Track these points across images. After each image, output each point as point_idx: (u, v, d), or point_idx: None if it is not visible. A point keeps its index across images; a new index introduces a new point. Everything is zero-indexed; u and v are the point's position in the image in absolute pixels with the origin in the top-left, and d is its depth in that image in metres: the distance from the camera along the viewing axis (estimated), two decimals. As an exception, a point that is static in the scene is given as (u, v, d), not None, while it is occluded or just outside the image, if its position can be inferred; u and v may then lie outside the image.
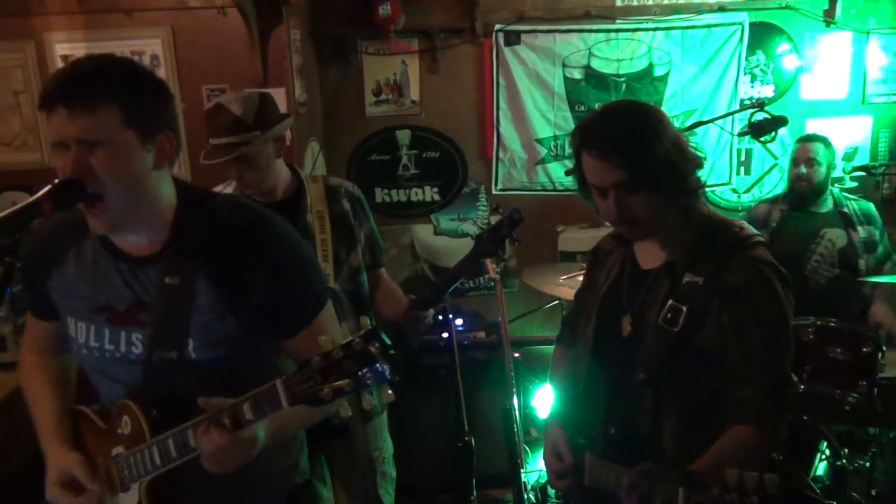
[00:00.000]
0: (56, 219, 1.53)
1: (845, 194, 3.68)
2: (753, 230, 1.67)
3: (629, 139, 1.54)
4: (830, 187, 3.61)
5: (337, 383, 1.16)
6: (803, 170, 3.54)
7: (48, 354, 1.71)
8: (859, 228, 3.54)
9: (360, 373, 1.15)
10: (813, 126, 4.22)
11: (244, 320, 1.46)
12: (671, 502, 1.33)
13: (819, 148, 3.55)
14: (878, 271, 3.52)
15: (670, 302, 1.60)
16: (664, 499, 1.36)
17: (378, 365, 1.16)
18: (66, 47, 3.55)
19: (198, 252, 1.45)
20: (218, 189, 2.44)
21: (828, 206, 3.59)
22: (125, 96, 1.33)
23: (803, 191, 3.56)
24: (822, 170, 3.54)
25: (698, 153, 1.63)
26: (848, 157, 4.32)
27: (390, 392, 1.29)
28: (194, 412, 1.34)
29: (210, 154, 2.26)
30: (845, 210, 3.58)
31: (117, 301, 1.48)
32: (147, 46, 3.50)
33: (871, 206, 3.62)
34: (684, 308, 1.57)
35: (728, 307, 1.56)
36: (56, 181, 1.34)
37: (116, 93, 1.32)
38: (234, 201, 1.64)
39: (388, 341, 1.17)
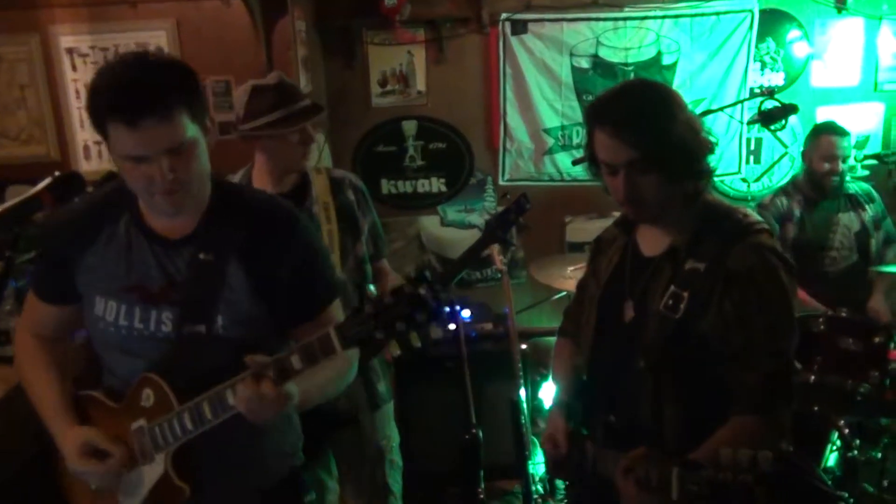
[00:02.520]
0: (87, 201, 1.59)
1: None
2: (758, 217, 1.65)
3: (644, 118, 1.53)
4: None
5: (389, 325, 1.22)
6: (838, 165, 3.46)
7: (48, 340, 1.71)
8: (867, 207, 3.58)
9: (411, 314, 1.22)
10: (824, 114, 4.17)
11: (270, 301, 1.54)
12: (666, 482, 1.32)
13: (848, 141, 3.49)
14: (883, 252, 3.57)
15: (672, 288, 1.58)
16: (659, 479, 1.35)
17: (429, 305, 1.21)
18: (70, 40, 3.55)
19: (230, 234, 1.54)
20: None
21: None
22: (187, 94, 1.40)
23: (834, 185, 3.51)
24: (848, 163, 3.52)
25: (710, 137, 1.61)
26: (860, 145, 4.26)
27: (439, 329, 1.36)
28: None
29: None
30: (850, 192, 3.61)
31: (150, 281, 1.53)
32: (152, 38, 3.49)
33: (869, 186, 3.67)
34: (686, 294, 1.56)
35: (730, 293, 1.54)
36: (56, 174, 1.34)
37: (182, 93, 1.39)
38: (265, 194, 1.77)
39: (433, 280, 1.23)
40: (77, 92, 3.60)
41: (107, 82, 1.37)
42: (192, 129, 1.41)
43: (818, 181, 3.52)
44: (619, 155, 1.55)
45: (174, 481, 1.50)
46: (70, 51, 3.56)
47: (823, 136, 3.51)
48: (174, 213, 1.49)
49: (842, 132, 3.50)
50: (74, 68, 3.58)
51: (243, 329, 1.53)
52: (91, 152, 3.66)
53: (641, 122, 1.53)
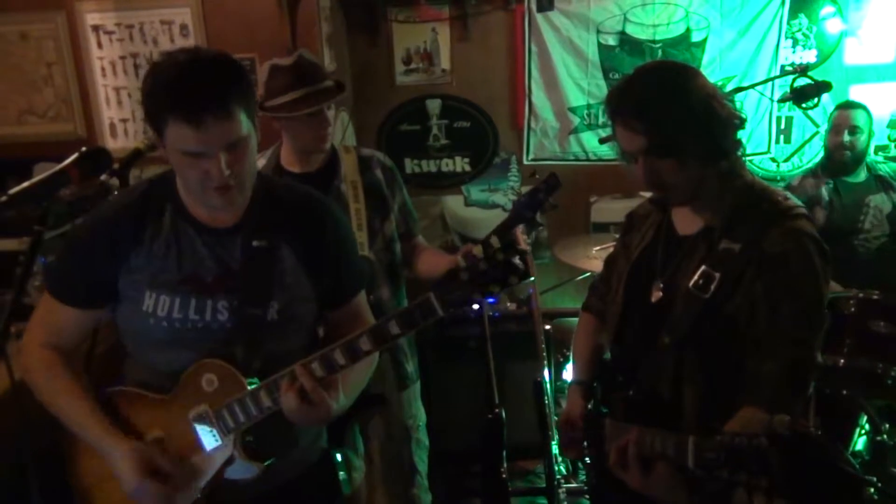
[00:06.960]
0: (124, 200, 1.57)
1: (874, 158, 3.69)
2: (797, 201, 1.62)
3: (649, 105, 1.52)
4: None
5: (485, 287, 1.37)
6: (846, 138, 3.52)
7: (62, 351, 1.62)
8: None
9: (505, 278, 1.36)
10: (857, 92, 4.07)
11: (318, 285, 1.62)
12: (682, 450, 1.31)
13: (861, 115, 3.54)
14: None
15: (703, 268, 1.56)
16: (675, 448, 1.34)
17: (520, 270, 1.37)
18: (96, 17, 3.55)
19: (276, 221, 1.58)
20: None
21: (864, 173, 3.60)
22: (242, 90, 1.42)
23: (845, 159, 3.55)
24: (864, 138, 3.54)
25: (735, 114, 1.57)
26: (894, 124, 4.17)
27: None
28: (276, 370, 1.49)
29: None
30: (880, 173, 3.61)
31: (204, 271, 1.54)
32: (176, 16, 3.48)
33: None
34: (717, 275, 1.54)
35: (763, 277, 1.51)
36: (83, 149, 1.34)
37: (240, 92, 1.41)
38: (291, 184, 1.78)
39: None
40: (103, 69, 3.61)
41: (166, 81, 1.36)
42: (246, 125, 1.42)
43: (836, 155, 3.56)
44: (632, 144, 1.56)
45: (243, 461, 1.52)
46: (96, 28, 3.56)
47: (836, 112, 3.61)
48: (225, 208, 1.51)
49: (855, 105, 3.59)
50: (100, 45, 3.58)
51: (294, 313, 1.58)
52: (117, 130, 3.67)
53: (647, 109, 1.52)
